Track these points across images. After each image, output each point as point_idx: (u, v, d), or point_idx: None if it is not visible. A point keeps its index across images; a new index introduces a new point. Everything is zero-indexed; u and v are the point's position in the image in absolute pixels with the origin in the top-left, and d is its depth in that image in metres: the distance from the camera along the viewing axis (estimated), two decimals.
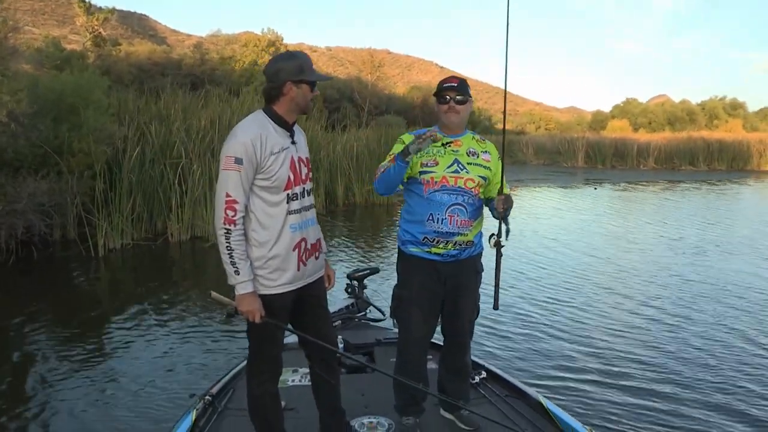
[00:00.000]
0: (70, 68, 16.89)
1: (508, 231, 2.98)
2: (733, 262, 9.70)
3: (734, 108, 56.86)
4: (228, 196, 2.51)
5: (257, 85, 30.37)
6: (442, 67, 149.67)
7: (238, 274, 2.54)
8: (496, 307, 3.11)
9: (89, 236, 9.29)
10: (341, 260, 9.46)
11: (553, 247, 10.61)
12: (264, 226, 2.60)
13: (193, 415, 3.12)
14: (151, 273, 9.11)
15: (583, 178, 27.30)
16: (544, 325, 6.39)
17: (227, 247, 2.53)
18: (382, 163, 3.00)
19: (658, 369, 5.27)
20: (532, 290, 7.70)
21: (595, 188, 23.02)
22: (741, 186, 24.88)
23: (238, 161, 2.49)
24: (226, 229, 2.52)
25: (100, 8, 32.45)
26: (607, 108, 65.74)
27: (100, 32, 31.22)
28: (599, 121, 56.88)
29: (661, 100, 69.22)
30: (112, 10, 33.68)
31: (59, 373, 5.08)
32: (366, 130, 19.91)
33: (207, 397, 3.32)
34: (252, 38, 37.01)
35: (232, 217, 2.51)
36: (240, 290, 2.56)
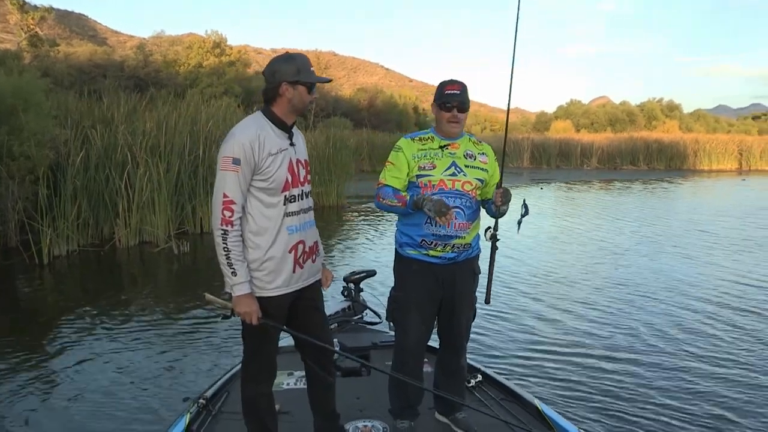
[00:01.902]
0: (4, 69, 16.23)
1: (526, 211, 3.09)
2: (662, 260, 10.02)
3: (671, 109, 58.97)
4: (225, 196, 2.47)
5: (203, 87, 29.88)
6: (387, 69, 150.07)
7: (236, 276, 2.50)
8: (487, 301, 3.08)
9: (32, 243, 8.90)
10: None
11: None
12: (261, 227, 2.57)
13: (186, 419, 3.06)
14: (99, 279, 8.82)
15: (530, 178, 27.91)
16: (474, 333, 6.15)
17: (224, 248, 2.48)
18: (384, 181, 2.95)
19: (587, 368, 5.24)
20: None
21: (542, 188, 23.53)
22: (674, 185, 25.89)
23: (236, 162, 2.46)
24: (223, 230, 2.48)
25: (36, 7, 31.14)
26: (550, 109, 67.12)
27: (36, 32, 30.04)
28: (543, 122, 58.14)
29: (603, 102, 71.37)
30: (49, 9, 32.41)
31: (8, 386, 4.81)
32: (314, 132, 19.80)
33: (201, 400, 3.27)
34: (196, 40, 36.23)
35: (230, 218, 2.48)
36: (237, 291, 2.52)
